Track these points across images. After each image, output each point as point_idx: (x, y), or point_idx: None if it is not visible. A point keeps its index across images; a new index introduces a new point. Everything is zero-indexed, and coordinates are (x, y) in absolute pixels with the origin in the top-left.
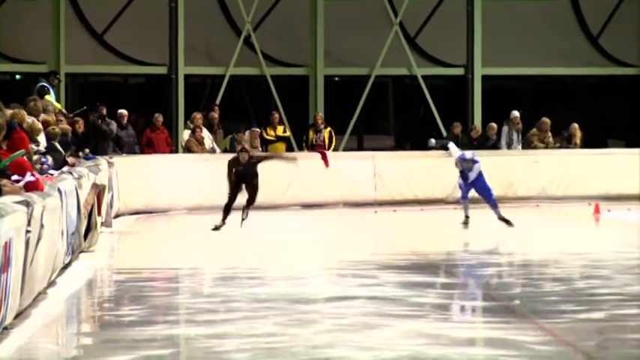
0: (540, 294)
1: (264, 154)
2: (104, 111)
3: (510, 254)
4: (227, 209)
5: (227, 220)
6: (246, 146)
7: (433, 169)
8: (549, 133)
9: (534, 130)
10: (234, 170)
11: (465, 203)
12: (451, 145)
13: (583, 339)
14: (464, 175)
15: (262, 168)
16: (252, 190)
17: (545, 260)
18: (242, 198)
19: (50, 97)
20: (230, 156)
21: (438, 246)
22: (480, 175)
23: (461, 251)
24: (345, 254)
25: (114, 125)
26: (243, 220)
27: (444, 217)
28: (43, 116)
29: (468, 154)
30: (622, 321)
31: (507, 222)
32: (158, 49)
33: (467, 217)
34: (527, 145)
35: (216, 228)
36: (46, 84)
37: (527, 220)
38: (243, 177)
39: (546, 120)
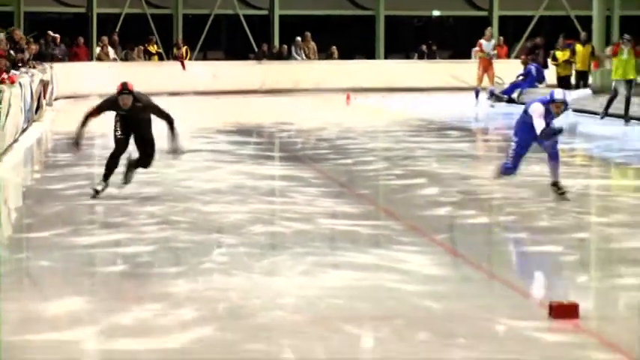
0: (313, 148)
1: (155, 105)
2: (50, 37)
3: (295, 124)
4: (110, 166)
5: (109, 181)
6: (129, 85)
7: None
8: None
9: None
10: (117, 117)
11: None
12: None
13: (339, 175)
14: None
15: None
16: (146, 147)
17: (317, 128)
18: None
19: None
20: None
21: (253, 119)
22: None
23: (267, 123)
24: (195, 124)
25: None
26: (125, 182)
27: (258, 103)
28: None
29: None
30: (363, 165)
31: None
32: None
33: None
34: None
35: (96, 192)
36: None
37: (305, 103)
38: (130, 125)
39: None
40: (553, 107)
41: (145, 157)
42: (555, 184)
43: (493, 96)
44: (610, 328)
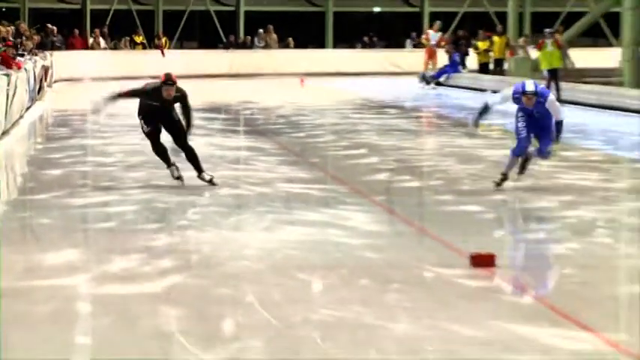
0: (272, 123)
1: (186, 94)
2: (49, 29)
3: (258, 103)
4: (161, 153)
5: (173, 161)
6: (173, 77)
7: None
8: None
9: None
10: (147, 106)
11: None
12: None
13: (294, 146)
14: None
15: None
16: (176, 129)
17: (276, 106)
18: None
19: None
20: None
21: (221, 99)
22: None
23: (234, 102)
24: None
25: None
26: (211, 182)
27: (226, 85)
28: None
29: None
30: (314, 138)
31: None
32: None
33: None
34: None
35: (178, 178)
36: None
37: (266, 85)
38: (157, 116)
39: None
40: (524, 99)
41: (182, 137)
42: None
43: (425, 79)
44: (522, 275)
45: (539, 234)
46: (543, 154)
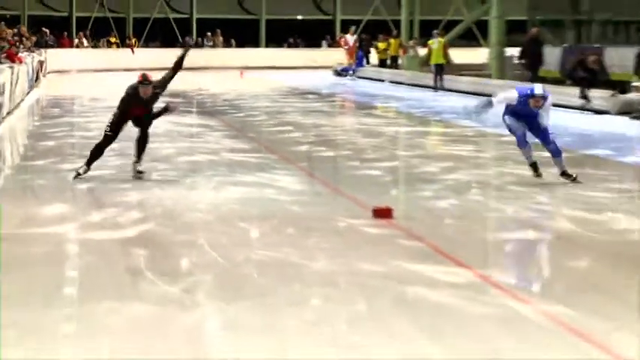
0: (219, 105)
1: (162, 80)
2: (45, 32)
3: (208, 90)
4: (95, 155)
5: (91, 166)
6: (148, 75)
7: (176, 55)
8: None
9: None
10: (127, 105)
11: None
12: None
13: (236, 123)
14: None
15: None
16: (145, 128)
17: (221, 93)
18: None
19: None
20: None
21: (179, 87)
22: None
23: (189, 89)
24: None
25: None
26: (139, 172)
27: (182, 76)
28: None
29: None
30: (251, 117)
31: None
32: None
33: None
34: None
35: (78, 174)
36: None
37: (213, 77)
38: (139, 119)
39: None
40: (532, 101)
41: (145, 126)
42: (564, 174)
43: (337, 73)
44: (413, 224)
45: (425, 192)
46: (554, 150)
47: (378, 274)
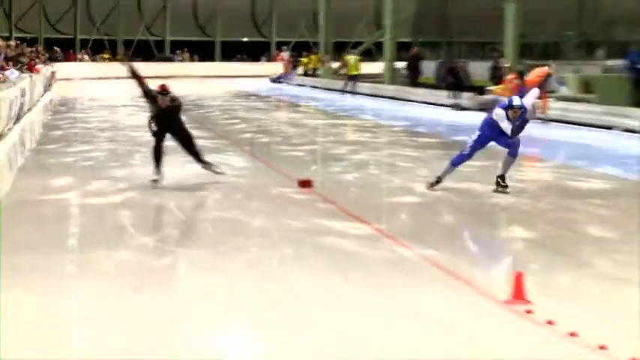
0: (186, 105)
1: (180, 107)
2: (56, 50)
3: (175, 93)
4: (156, 156)
5: (162, 170)
6: (167, 86)
7: (154, 67)
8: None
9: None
10: (153, 116)
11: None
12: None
13: (197, 118)
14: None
15: None
16: (187, 138)
17: (187, 95)
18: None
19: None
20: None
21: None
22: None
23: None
24: (125, 94)
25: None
26: (216, 171)
27: (157, 83)
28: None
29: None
30: (208, 113)
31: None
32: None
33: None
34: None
35: (155, 182)
36: None
37: (181, 84)
38: (166, 124)
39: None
40: (511, 112)
41: (190, 148)
42: (501, 177)
43: (272, 80)
44: (327, 191)
45: (336, 168)
46: (513, 153)
47: (301, 228)
